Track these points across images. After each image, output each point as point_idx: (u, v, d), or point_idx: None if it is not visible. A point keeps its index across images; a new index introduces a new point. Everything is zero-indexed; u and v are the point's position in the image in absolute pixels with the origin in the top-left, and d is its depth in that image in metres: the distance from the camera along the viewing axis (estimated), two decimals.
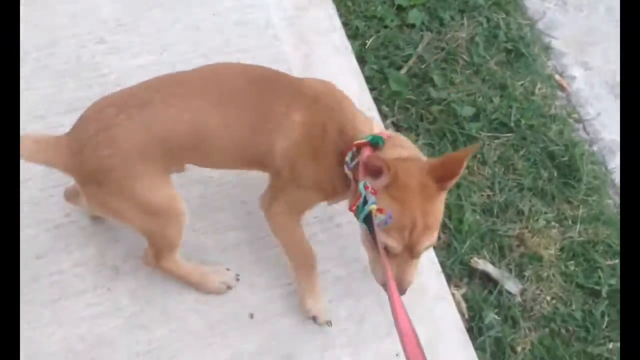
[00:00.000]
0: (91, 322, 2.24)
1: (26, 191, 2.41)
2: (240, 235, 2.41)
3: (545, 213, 2.71)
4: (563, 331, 2.46)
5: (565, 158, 2.84)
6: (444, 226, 2.62)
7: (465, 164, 1.66)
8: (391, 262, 1.70)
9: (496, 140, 2.87)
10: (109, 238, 2.38)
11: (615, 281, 2.55)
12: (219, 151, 1.98)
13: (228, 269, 2.31)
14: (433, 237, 1.71)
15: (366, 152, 1.81)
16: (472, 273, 2.54)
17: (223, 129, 1.91)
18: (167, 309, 2.28)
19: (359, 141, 1.83)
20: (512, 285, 2.53)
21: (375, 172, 1.71)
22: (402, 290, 1.72)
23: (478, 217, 2.66)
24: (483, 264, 2.54)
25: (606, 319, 2.48)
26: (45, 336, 2.20)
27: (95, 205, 1.98)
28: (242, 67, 2.11)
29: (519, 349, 2.40)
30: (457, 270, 2.52)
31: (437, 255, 2.49)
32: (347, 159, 1.84)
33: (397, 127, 2.86)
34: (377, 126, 2.01)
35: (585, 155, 2.90)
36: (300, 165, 1.94)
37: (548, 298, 2.52)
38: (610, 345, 2.42)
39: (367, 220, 1.71)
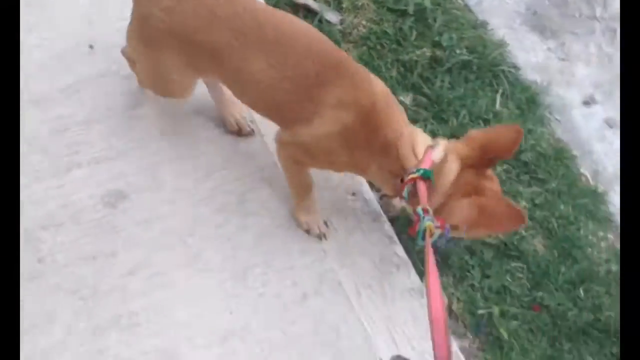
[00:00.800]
0: None
1: None
2: None
3: None
4: (378, 47, 2.78)
5: None
6: None
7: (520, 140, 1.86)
8: None
9: None
10: None
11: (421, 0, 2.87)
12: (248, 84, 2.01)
13: None
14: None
15: (422, 186, 1.85)
16: (296, 10, 2.79)
17: (260, 69, 1.94)
18: None
19: (412, 176, 1.86)
20: (331, 16, 2.81)
21: None
22: None
23: None
24: None
25: (414, 32, 2.81)
26: None
27: (129, 35, 2.13)
28: (314, 42, 1.98)
29: None
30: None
31: None
32: (404, 194, 1.89)
33: None
34: (423, 136, 2.00)
35: None
36: (333, 150, 1.99)
37: (364, 22, 2.82)
38: (418, 52, 2.76)
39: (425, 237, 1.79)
